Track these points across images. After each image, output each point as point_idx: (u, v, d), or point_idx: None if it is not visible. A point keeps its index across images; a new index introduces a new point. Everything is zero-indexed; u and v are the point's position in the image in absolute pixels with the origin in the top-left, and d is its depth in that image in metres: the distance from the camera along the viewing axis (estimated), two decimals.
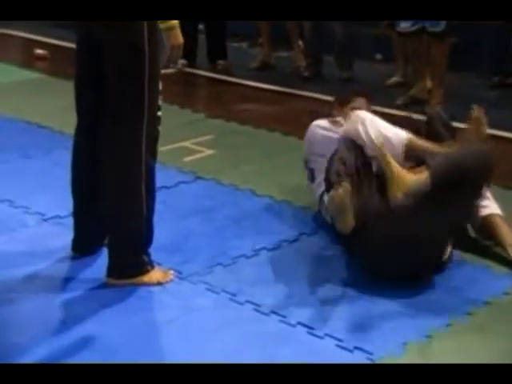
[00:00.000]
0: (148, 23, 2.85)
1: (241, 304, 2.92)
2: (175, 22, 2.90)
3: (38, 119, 4.99)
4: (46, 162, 4.31)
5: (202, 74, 6.21)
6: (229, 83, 5.95)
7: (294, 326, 2.78)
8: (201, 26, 6.48)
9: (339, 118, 3.70)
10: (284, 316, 2.83)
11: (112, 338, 2.72)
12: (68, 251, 3.25)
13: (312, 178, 3.62)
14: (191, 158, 4.36)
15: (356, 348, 2.63)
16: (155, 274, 3.05)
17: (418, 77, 5.50)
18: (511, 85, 5.71)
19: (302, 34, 6.26)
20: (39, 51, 6.83)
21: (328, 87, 5.75)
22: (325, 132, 3.64)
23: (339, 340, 2.67)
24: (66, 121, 4.99)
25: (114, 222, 3.02)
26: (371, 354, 2.59)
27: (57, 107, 5.31)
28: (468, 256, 3.24)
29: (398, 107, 5.13)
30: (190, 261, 3.21)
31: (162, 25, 2.87)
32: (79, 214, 3.23)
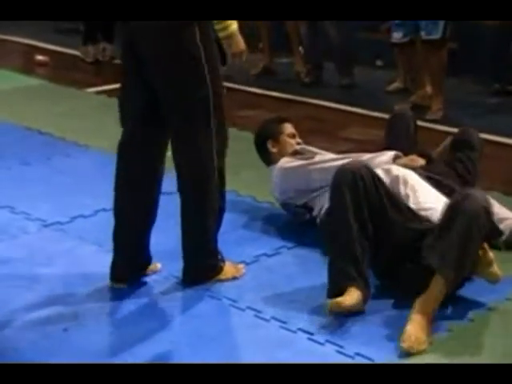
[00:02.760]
0: (200, 30, 2.75)
1: (242, 310, 2.92)
2: (235, 29, 2.81)
3: (39, 125, 5.00)
4: (46, 169, 4.32)
5: None
6: (229, 89, 5.94)
7: (294, 332, 2.78)
8: None
9: (287, 150, 3.67)
10: (284, 322, 2.83)
11: (115, 343, 2.72)
12: (69, 256, 3.25)
13: (309, 211, 3.50)
14: None
15: (357, 354, 2.62)
16: (229, 270, 3.06)
17: (417, 85, 5.51)
18: (510, 92, 5.72)
19: (302, 40, 6.28)
20: (40, 57, 6.84)
21: (328, 93, 5.77)
22: (305, 167, 3.52)
23: (340, 346, 2.67)
24: (67, 127, 5.04)
25: (191, 229, 2.99)
26: (372, 360, 2.59)
27: (57, 114, 5.33)
28: None
29: None
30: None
31: (221, 33, 2.78)
32: (125, 237, 3.06)
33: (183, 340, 2.76)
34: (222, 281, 3.02)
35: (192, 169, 2.93)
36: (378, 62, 6.53)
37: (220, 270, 3.04)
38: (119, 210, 3.05)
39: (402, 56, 5.63)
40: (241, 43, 2.87)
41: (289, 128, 3.79)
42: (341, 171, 2.96)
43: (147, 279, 3.13)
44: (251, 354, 2.65)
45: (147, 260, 3.12)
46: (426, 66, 5.36)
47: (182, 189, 2.98)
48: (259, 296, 2.99)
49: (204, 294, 3.03)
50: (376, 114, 5.20)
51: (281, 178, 3.60)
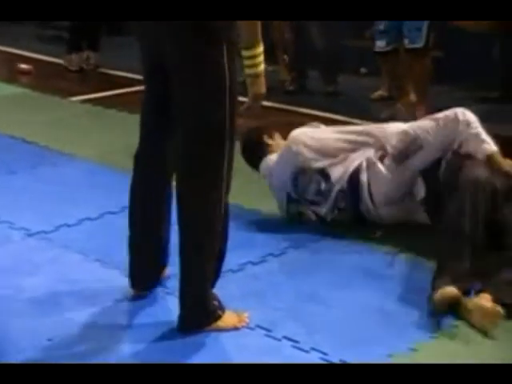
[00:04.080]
0: (227, 52, 2.68)
1: None
2: (263, 69, 2.72)
3: (23, 134, 4.98)
4: (31, 178, 4.30)
5: None
6: None
7: (279, 340, 2.78)
8: None
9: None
10: (269, 330, 2.83)
11: (100, 351, 2.72)
12: (53, 265, 3.24)
13: (326, 178, 3.63)
14: None
15: (341, 361, 2.62)
16: (229, 319, 2.86)
17: (401, 93, 5.53)
18: (495, 98, 5.75)
19: (286, 49, 6.29)
20: (23, 66, 6.81)
21: (313, 101, 5.78)
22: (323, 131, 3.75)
23: (324, 353, 2.67)
24: (52, 136, 5.03)
25: (189, 274, 2.80)
26: None
27: (42, 122, 5.32)
28: None
29: (383, 121, 5.15)
30: (176, 276, 3.20)
31: (248, 70, 2.68)
32: (140, 246, 2.99)
33: (167, 348, 2.75)
34: (220, 329, 2.84)
35: (195, 207, 2.75)
36: (363, 70, 6.55)
37: (218, 317, 2.85)
38: (135, 213, 2.98)
39: (385, 64, 5.65)
40: (264, 86, 2.77)
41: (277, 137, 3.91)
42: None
43: None
44: (233, 361, 2.65)
45: (165, 263, 3.08)
46: (409, 74, 5.38)
47: (182, 225, 2.79)
48: (244, 304, 2.98)
49: None
50: (360, 121, 5.21)
51: (288, 149, 3.71)
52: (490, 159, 3.38)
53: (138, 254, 3.02)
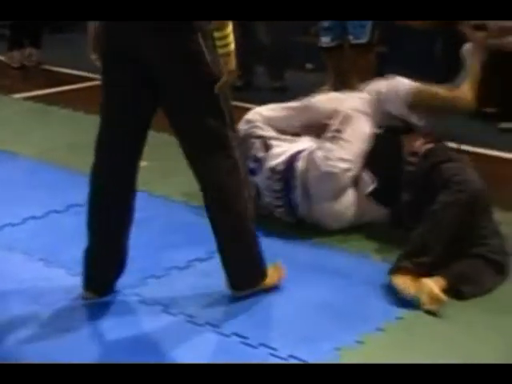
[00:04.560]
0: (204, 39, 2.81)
1: (174, 316, 2.90)
2: (233, 48, 2.85)
3: None
4: None
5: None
6: None
7: (228, 336, 2.77)
8: None
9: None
10: (218, 326, 2.82)
11: (50, 351, 2.68)
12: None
13: (265, 149, 3.64)
14: None
15: (290, 356, 2.63)
16: (274, 273, 3.04)
17: (346, 88, 5.56)
18: None
19: None
20: None
21: (260, 97, 5.76)
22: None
23: (273, 349, 2.67)
24: None
25: (235, 243, 2.96)
26: (305, 361, 2.60)
27: None
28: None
29: None
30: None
31: (221, 50, 2.82)
32: (100, 250, 3.00)
33: (115, 347, 2.72)
34: (268, 287, 3.01)
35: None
36: (309, 66, 6.57)
37: (266, 274, 3.01)
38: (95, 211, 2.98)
39: (330, 60, 5.67)
40: (234, 63, 2.90)
41: None
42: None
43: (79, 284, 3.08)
44: (184, 360, 2.63)
45: (123, 267, 3.06)
46: (354, 69, 5.42)
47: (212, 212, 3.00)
48: (192, 301, 2.97)
49: (135, 300, 3.00)
50: None
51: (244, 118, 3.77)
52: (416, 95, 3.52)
53: (97, 261, 3.00)
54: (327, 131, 3.56)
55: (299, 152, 3.53)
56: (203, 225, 3.65)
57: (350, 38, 5.26)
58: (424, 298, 2.89)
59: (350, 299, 3.01)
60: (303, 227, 3.58)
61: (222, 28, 2.80)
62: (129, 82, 2.86)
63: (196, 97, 2.87)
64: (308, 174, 3.48)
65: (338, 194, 3.47)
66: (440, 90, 3.57)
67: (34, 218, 3.70)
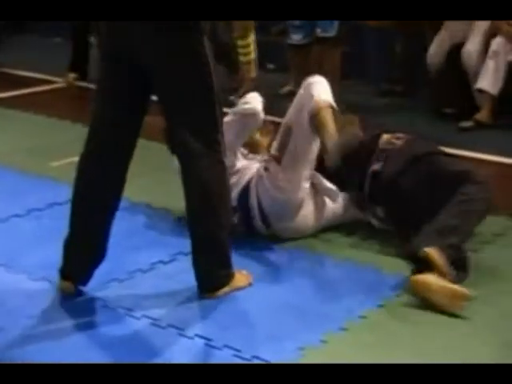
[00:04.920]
0: (206, 42, 2.82)
1: (137, 319, 2.89)
2: (254, 57, 2.84)
3: None
4: None
5: (94, 88, 6.10)
6: None
7: (192, 338, 2.76)
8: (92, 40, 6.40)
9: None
10: (181, 329, 2.81)
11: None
12: None
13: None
14: None
15: (254, 357, 2.63)
16: (242, 278, 3.05)
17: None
18: (400, 92, 5.87)
19: None
20: None
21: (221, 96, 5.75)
22: None
23: (237, 350, 2.67)
24: None
25: (207, 239, 2.97)
26: (269, 361, 2.60)
27: None
28: (359, 257, 3.31)
29: None
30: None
31: (243, 58, 2.83)
32: (79, 246, 3.03)
33: (77, 351, 2.70)
34: (240, 288, 3.03)
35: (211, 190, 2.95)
36: (270, 66, 6.57)
37: (233, 276, 3.03)
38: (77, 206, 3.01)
39: (297, 57, 5.68)
40: (254, 71, 2.90)
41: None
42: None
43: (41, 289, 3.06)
44: (148, 362, 2.61)
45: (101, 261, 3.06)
46: (319, 68, 5.44)
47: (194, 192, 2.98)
48: (155, 304, 2.96)
49: (98, 303, 2.98)
50: (270, 117, 5.22)
51: None
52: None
53: (76, 251, 3.02)
54: (272, 147, 3.53)
55: (249, 182, 3.47)
56: (166, 227, 3.66)
57: (318, 31, 5.29)
58: (446, 302, 2.88)
59: (314, 299, 3.01)
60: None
61: (245, 36, 2.82)
62: (125, 85, 2.91)
63: (194, 99, 2.89)
64: (262, 202, 3.43)
65: (296, 211, 3.44)
66: (331, 125, 3.38)
67: None
